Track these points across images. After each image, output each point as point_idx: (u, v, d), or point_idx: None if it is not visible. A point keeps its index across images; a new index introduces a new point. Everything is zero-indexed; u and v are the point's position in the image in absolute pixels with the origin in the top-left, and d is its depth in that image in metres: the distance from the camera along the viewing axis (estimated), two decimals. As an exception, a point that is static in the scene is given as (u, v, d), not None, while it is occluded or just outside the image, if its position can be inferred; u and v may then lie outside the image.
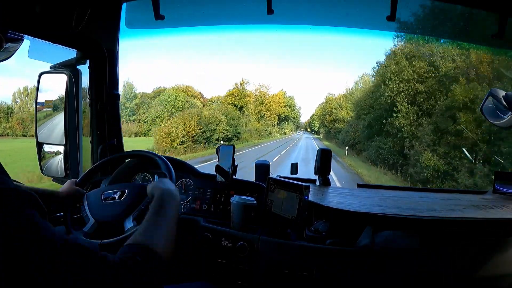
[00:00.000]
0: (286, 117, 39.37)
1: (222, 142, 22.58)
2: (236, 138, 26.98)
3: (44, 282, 0.42)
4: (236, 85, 35.38)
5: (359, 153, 18.73)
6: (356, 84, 27.45)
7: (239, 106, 33.33)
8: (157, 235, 0.58)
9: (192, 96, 30.87)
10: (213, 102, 32.60)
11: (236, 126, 27.16)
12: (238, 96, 33.97)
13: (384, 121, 15.24)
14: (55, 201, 1.08)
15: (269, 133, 36.01)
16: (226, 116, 26.42)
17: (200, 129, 23.14)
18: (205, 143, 23.06)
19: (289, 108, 39.44)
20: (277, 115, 37.26)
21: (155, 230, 0.60)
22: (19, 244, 0.42)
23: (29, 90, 24.50)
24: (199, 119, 23.58)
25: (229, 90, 34.24)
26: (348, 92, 29.30)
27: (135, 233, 0.58)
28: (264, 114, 36.13)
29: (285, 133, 39.83)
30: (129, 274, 0.48)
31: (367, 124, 17.25)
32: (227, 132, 25.63)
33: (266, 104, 36.36)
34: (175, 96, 28.45)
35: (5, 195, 0.45)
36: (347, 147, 20.99)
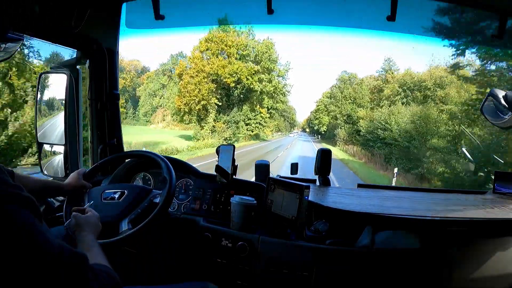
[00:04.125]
0: (249, 90, 15.69)
1: None
2: None
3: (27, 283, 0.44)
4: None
5: None
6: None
7: None
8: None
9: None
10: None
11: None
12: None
13: None
14: (61, 194, 1.14)
15: None
16: None
17: None
18: None
19: (258, 65, 15.62)
20: (213, 81, 15.08)
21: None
22: (11, 245, 0.43)
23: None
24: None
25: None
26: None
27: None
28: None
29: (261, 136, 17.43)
30: None
31: None
32: None
33: None
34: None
35: (2, 196, 0.45)
36: None
